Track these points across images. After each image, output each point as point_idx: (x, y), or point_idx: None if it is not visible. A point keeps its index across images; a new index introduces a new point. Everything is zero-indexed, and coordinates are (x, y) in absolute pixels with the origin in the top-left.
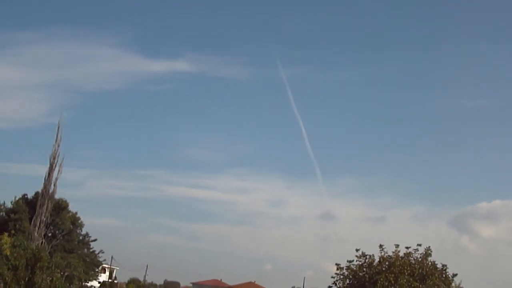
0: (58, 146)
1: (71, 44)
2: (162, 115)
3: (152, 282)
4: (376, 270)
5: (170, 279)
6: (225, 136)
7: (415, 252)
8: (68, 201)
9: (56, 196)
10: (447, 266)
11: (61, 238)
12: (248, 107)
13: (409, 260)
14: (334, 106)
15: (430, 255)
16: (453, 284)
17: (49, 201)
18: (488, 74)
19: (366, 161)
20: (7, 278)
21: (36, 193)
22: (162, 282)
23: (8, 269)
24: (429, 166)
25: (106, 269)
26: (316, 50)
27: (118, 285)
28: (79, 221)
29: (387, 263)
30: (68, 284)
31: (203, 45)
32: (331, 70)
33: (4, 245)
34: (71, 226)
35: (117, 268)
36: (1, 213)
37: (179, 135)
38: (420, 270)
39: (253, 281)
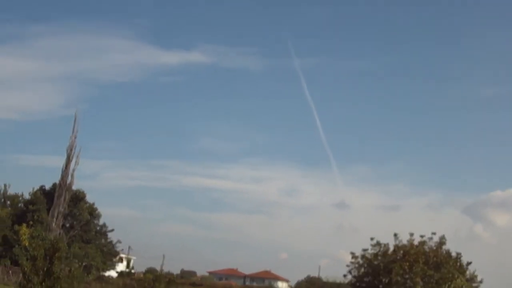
0: (75, 137)
1: (86, 36)
2: (176, 106)
3: (169, 271)
4: (391, 258)
5: (186, 268)
6: (239, 126)
7: (429, 240)
8: (85, 192)
9: (74, 187)
10: (462, 254)
11: (78, 228)
12: (262, 97)
13: (424, 249)
14: (348, 95)
15: (444, 243)
16: (467, 273)
17: (67, 192)
18: (505, 62)
19: (381, 150)
20: (26, 268)
21: (54, 185)
22: (178, 272)
23: (27, 259)
24: (444, 154)
25: (124, 259)
26: (330, 40)
27: (136, 274)
28: (96, 212)
29: (401, 251)
30: (86, 274)
31: (217, 36)
32: (345, 59)
33: (23, 236)
34: (89, 216)
35: (134, 257)
36: (20, 205)
37: (193, 126)
38: (434, 259)
39: (268, 270)
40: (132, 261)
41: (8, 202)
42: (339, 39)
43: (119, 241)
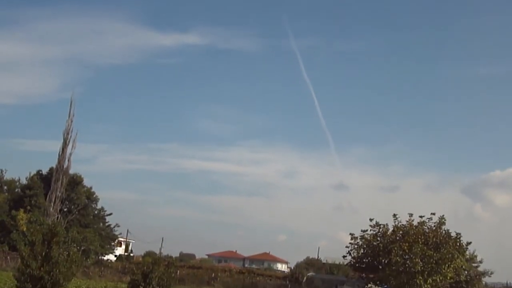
0: (71, 121)
1: (82, 19)
2: (173, 88)
3: (167, 254)
4: (390, 239)
5: (185, 251)
6: (237, 108)
7: (429, 221)
8: (82, 176)
9: (71, 171)
10: (461, 234)
11: (76, 213)
12: (259, 78)
13: (423, 229)
14: (346, 76)
15: (444, 223)
16: (467, 253)
17: (64, 176)
18: (500, 41)
19: (379, 131)
20: (24, 254)
21: (51, 169)
22: (177, 255)
23: (25, 244)
24: (442, 134)
25: (122, 242)
26: (327, 20)
27: (134, 258)
28: (94, 196)
29: (401, 232)
30: (84, 258)
31: (213, 18)
32: (343, 40)
33: (21, 221)
34: (86, 200)
35: (133, 241)
36: (17, 190)
37: (191, 108)
38: (434, 239)
39: (267, 252)
40: (130, 245)
41: (5, 187)
42: (337, 19)
43: (117, 225)
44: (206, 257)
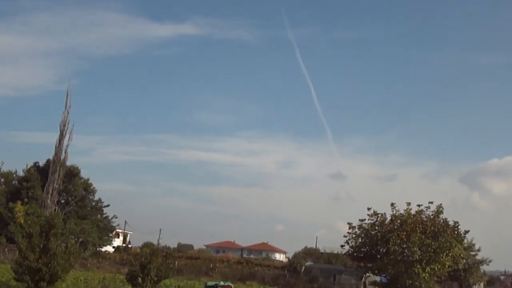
0: (68, 113)
1: (77, 10)
2: (170, 79)
3: (165, 245)
4: (388, 228)
5: (183, 242)
6: (234, 99)
7: (426, 209)
8: (79, 167)
9: (68, 163)
10: (459, 223)
11: (74, 204)
12: (256, 69)
13: (421, 218)
14: (343, 65)
15: (442, 212)
16: (465, 241)
17: (61, 168)
18: (500, 30)
19: (376, 120)
20: (22, 246)
21: (48, 161)
22: (175, 245)
23: (23, 236)
24: (440, 123)
25: (120, 234)
26: (324, 10)
27: (132, 249)
28: (91, 187)
29: (399, 221)
30: (82, 250)
31: (210, 8)
32: (340, 29)
33: (18, 213)
34: (84, 192)
35: (131, 232)
36: (14, 182)
37: (188, 99)
38: (432, 228)
39: (266, 242)
40: (128, 236)
41: (2, 180)
42: (333, 9)
43: (115, 216)
44: (204, 247)
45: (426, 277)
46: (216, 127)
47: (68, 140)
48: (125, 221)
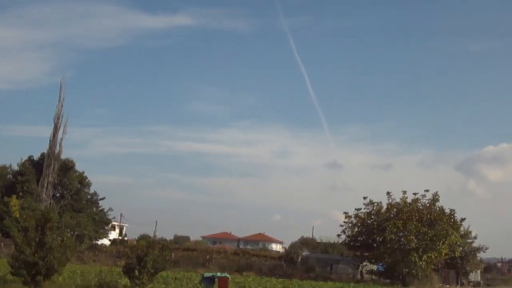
0: (62, 106)
1: (70, 2)
2: (164, 70)
3: (162, 237)
4: (384, 217)
5: (179, 233)
6: (228, 89)
7: (422, 198)
8: (74, 160)
9: (62, 156)
10: (455, 210)
11: (69, 198)
12: (250, 58)
13: (417, 206)
14: (337, 54)
15: (438, 200)
16: (461, 229)
17: (56, 161)
18: (493, 18)
19: (372, 109)
20: (18, 240)
21: (42, 154)
22: (172, 237)
23: (18, 231)
24: (435, 111)
25: (116, 226)
26: None
27: (129, 241)
28: (87, 180)
29: (395, 209)
30: (78, 243)
31: None
32: (333, 18)
33: (13, 208)
34: (79, 185)
35: (127, 225)
36: (8, 176)
37: (182, 90)
38: (428, 216)
39: (262, 232)
40: (124, 229)
41: None
42: None
43: (110, 209)
44: (201, 239)
45: (422, 265)
46: (211, 117)
47: (63, 133)
48: (121, 214)
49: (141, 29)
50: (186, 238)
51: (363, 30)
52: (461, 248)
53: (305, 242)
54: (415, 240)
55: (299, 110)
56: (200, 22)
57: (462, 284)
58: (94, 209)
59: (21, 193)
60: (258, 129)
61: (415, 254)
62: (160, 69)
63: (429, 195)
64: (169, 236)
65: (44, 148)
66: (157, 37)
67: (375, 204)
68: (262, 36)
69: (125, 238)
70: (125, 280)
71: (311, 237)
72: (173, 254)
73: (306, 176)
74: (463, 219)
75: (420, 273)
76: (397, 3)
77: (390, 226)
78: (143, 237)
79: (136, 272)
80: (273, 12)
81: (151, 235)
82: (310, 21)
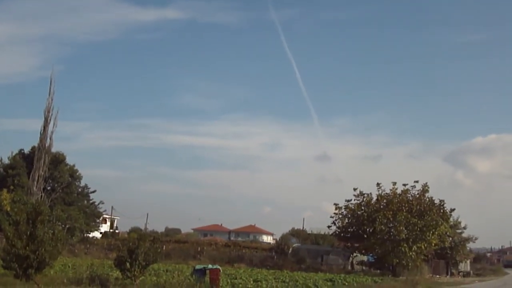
0: (52, 99)
1: None
2: (154, 64)
3: (153, 230)
4: (374, 208)
5: (171, 226)
6: (219, 82)
7: (412, 189)
8: (64, 154)
9: (53, 150)
10: (445, 201)
11: (60, 191)
12: (240, 51)
13: (407, 197)
14: (327, 46)
15: (427, 191)
16: (451, 219)
17: (46, 155)
18: (482, 10)
19: (361, 101)
20: (9, 234)
21: (33, 148)
22: (163, 230)
23: (10, 224)
24: (424, 103)
25: (107, 219)
26: None
27: (120, 234)
28: (77, 174)
29: (385, 201)
30: (70, 236)
31: None
32: (323, 10)
33: (4, 201)
34: (70, 178)
35: (118, 218)
36: None
37: (173, 83)
38: (418, 207)
39: (253, 224)
40: (115, 221)
41: None
42: None
43: (102, 202)
44: (192, 231)
45: (412, 256)
46: (202, 110)
47: (53, 127)
48: (112, 207)
49: (131, 23)
50: (177, 231)
51: (353, 22)
52: (450, 239)
53: (295, 234)
54: (405, 230)
55: (289, 103)
56: (190, 15)
57: (452, 274)
58: (85, 202)
59: (12, 187)
60: (248, 121)
61: (405, 245)
62: (150, 62)
63: (418, 186)
64: (160, 229)
65: (35, 142)
66: (147, 30)
67: (365, 195)
68: (252, 29)
69: (116, 231)
70: (117, 273)
71: (301, 228)
72: (164, 246)
73: (296, 168)
74: (452, 210)
75: (410, 264)
76: None
77: (380, 217)
78: (134, 230)
79: (128, 265)
80: (263, 4)
81: (142, 227)
82: (300, 13)
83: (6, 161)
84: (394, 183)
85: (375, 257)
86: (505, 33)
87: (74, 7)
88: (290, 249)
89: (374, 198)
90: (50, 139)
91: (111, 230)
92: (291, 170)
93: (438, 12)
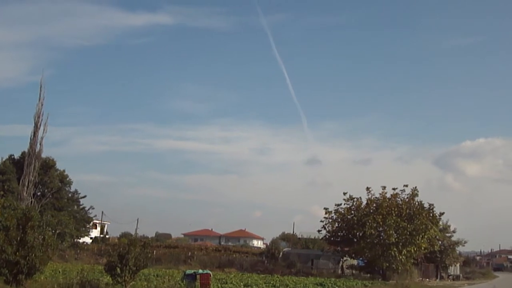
0: (42, 105)
1: (48, 1)
2: (144, 68)
3: (143, 235)
4: (364, 212)
5: (161, 231)
6: (208, 86)
7: (401, 193)
8: (55, 159)
9: (43, 155)
10: (434, 205)
11: (50, 196)
12: (230, 56)
13: (396, 201)
14: (316, 51)
15: (417, 195)
16: (440, 223)
17: (36, 160)
18: (469, 13)
19: (350, 105)
20: None
21: (23, 153)
22: (153, 235)
23: (0, 230)
24: (413, 106)
25: (97, 224)
26: None
27: (110, 239)
28: (68, 179)
29: (374, 205)
30: (60, 242)
31: None
32: (311, 15)
33: None
34: (60, 184)
35: (108, 223)
36: None
37: (163, 88)
38: (407, 210)
39: (243, 229)
40: (106, 227)
41: None
42: None
43: (92, 207)
44: (182, 236)
45: (402, 260)
46: (191, 115)
47: (43, 132)
48: (102, 212)
49: (121, 28)
50: (168, 236)
51: (342, 27)
52: (440, 242)
53: (286, 238)
54: (395, 234)
55: (279, 107)
56: (180, 20)
57: (441, 277)
58: (75, 207)
59: (2, 192)
60: (238, 126)
61: (394, 249)
62: (140, 67)
63: (408, 190)
64: (151, 234)
65: (25, 147)
66: (137, 35)
67: (355, 199)
68: (241, 34)
69: (107, 236)
70: (107, 278)
71: (292, 232)
72: (154, 251)
73: (286, 172)
74: (441, 214)
75: (400, 267)
76: (375, 1)
77: (370, 221)
78: (124, 235)
79: (118, 270)
80: (252, 9)
81: (133, 232)
82: (289, 18)
83: None
84: (384, 187)
85: (365, 261)
86: (495, 38)
87: (64, 12)
88: (281, 253)
89: (364, 202)
90: (40, 144)
91: (101, 236)
92: (281, 174)
93: (427, 16)
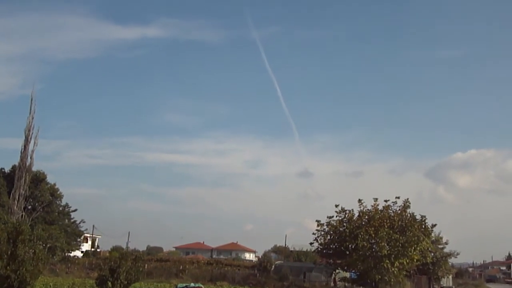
0: (33, 118)
1: (40, 14)
2: (136, 82)
3: (135, 248)
4: (356, 224)
5: (152, 244)
6: (200, 99)
7: (393, 204)
8: (45, 173)
9: (33, 169)
10: (426, 217)
11: (41, 210)
12: (222, 69)
13: (388, 213)
14: (308, 64)
15: (408, 207)
16: (432, 235)
17: (27, 174)
18: (459, 24)
19: (342, 117)
20: None
21: (13, 167)
22: (145, 248)
23: None
24: (404, 119)
25: (88, 238)
26: (287, 9)
27: (101, 253)
28: (58, 192)
29: (366, 217)
30: (51, 256)
31: (174, 10)
32: (303, 28)
33: None
34: (50, 197)
35: (99, 236)
36: None
37: (154, 101)
38: (399, 222)
39: (235, 242)
40: (97, 240)
41: None
42: (296, 8)
43: (83, 221)
44: (174, 249)
45: (395, 272)
46: (183, 128)
47: (34, 146)
48: (93, 225)
49: (112, 41)
50: (159, 249)
51: (333, 40)
52: (432, 254)
53: (278, 251)
54: (387, 246)
55: (271, 120)
56: (171, 33)
57: None
58: (66, 221)
59: None
60: (230, 139)
61: (387, 261)
62: (132, 80)
63: (400, 202)
64: (142, 247)
65: (15, 160)
66: (128, 48)
67: (347, 211)
68: (233, 47)
69: (98, 250)
70: None
71: (284, 245)
72: (146, 265)
73: (278, 185)
74: (434, 225)
75: (392, 280)
76: (363, 12)
77: (362, 233)
78: (116, 249)
79: (109, 284)
80: (244, 23)
81: (124, 246)
82: (280, 31)
83: None
84: (376, 199)
85: (358, 273)
86: (483, 49)
87: (55, 25)
88: (273, 266)
89: (356, 214)
90: (30, 158)
91: (92, 249)
92: (273, 187)
93: (414, 29)
